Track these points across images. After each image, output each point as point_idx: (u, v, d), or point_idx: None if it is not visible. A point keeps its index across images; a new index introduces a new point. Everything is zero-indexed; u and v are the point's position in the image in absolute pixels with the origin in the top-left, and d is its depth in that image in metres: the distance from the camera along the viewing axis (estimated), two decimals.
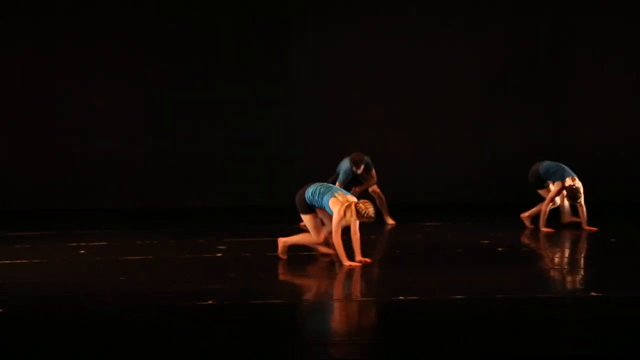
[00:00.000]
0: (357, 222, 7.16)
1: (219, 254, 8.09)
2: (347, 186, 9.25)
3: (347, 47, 12.07)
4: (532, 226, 9.30)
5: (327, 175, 9.70)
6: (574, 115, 12.16)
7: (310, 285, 7.01)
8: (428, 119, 12.12)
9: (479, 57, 12.07)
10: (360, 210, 7.10)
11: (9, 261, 7.78)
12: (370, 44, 12.06)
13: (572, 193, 9.05)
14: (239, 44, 12.14)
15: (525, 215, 9.42)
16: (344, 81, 12.08)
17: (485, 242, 8.61)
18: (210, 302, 6.01)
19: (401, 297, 6.15)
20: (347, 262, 7.21)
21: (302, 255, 7.83)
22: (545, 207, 9.23)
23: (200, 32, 12.09)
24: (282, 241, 7.63)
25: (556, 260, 8.08)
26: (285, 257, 7.65)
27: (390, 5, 12.15)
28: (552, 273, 7.40)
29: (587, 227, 9.24)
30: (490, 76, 12.09)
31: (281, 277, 7.24)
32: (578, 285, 6.87)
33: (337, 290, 6.83)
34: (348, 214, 7.11)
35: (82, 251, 8.36)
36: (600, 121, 12.09)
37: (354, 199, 7.28)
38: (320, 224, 7.55)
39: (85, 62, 11.93)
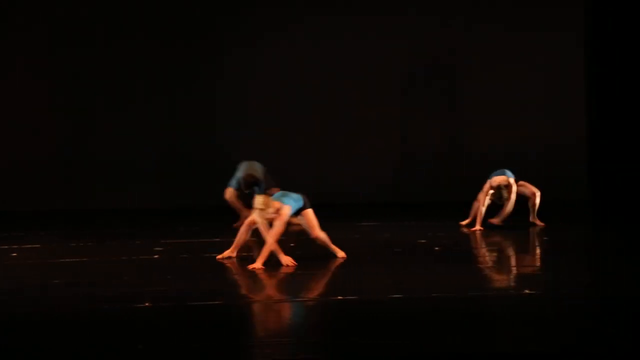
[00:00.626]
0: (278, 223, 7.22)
1: (156, 256, 8.01)
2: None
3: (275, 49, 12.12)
4: (542, 224, 9.55)
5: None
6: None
7: (254, 286, 6.97)
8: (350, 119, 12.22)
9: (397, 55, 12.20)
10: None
11: None
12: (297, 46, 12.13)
13: (496, 193, 9.36)
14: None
15: (494, 220, 9.50)
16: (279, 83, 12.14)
17: (423, 241, 8.70)
18: (147, 304, 5.94)
19: (340, 297, 6.18)
20: (284, 259, 7.28)
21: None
22: (479, 207, 9.40)
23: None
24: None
25: (488, 259, 8.18)
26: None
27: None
28: (485, 272, 7.49)
29: (494, 220, 9.45)
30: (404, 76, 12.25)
31: (222, 279, 7.18)
32: (512, 284, 6.98)
33: (278, 290, 6.81)
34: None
35: (14, 254, 8.17)
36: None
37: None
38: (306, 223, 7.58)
39: None
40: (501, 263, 8.07)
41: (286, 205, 7.34)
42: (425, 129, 12.32)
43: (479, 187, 9.52)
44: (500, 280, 7.08)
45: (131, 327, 5.40)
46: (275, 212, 7.27)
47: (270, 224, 7.35)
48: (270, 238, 7.28)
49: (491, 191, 9.40)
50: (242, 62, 12.15)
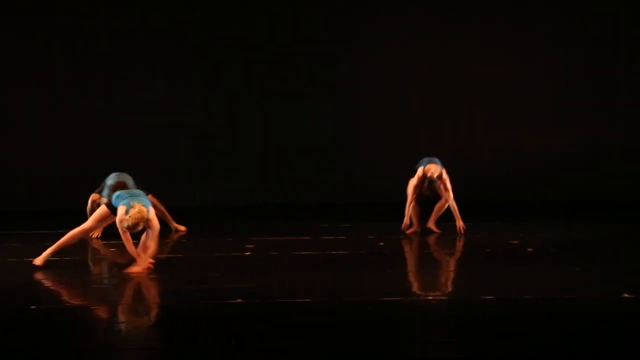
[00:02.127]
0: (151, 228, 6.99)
1: (247, 253, 8.10)
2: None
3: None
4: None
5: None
6: None
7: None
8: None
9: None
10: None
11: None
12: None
13: (427, 185, 8.65)
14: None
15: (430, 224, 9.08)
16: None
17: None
18: (238, 300, 6.01)
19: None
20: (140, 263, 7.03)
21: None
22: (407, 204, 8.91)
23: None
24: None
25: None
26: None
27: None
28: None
29: (430, 225, 8.97)
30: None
31: (310, 277, 7.21)
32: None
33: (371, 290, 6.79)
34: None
35: (112, 249, 8.41)
36: None
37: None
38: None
39: None
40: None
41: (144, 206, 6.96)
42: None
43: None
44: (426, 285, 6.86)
45: (224, 324, 5.47)
46: (146, 222, 6.93)
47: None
48: (154, 243, 7.05)
49: (423, 182, 8.56)
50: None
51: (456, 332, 5.35)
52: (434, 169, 8.71)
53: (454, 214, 8.87)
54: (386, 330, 5.29)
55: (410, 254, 8.41)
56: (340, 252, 8.04)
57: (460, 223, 8.87)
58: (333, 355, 4.78)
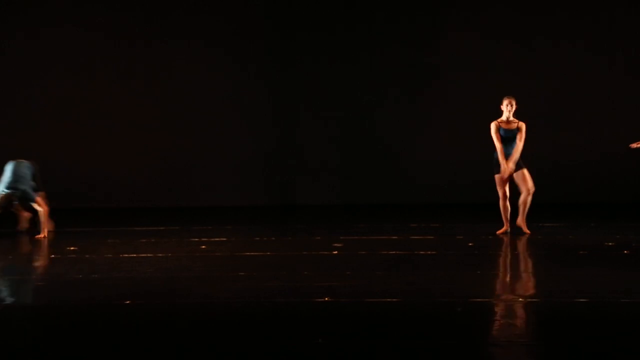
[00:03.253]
0: None
1: (335, 252, 8.12)
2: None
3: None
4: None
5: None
6: None
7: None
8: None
9: None
10: None
11: (134, 254, 8.06)
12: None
13: None
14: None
15: None
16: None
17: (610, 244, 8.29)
18: (326, 299, 6.03)
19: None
20: None
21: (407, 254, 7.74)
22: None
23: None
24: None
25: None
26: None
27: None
28: None
29: (519, 223, 8.95)
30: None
31: (397, 277, 7.18)
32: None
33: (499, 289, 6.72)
34: None
35: (203, 246, 8.57)
36: None
37: None
38: None
39: None
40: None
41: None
42: None
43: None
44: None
45: (311, 321, 5.50)
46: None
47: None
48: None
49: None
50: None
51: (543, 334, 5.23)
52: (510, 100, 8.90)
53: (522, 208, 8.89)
54: (473, 331, 5.22)
55: (498, 254, 8.28)
56: (429, 252, 7.98)
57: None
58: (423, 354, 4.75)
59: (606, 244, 8.32)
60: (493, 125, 8.92)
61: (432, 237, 8.93)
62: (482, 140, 11.71)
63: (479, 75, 12.15)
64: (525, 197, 8.92)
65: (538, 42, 12.17)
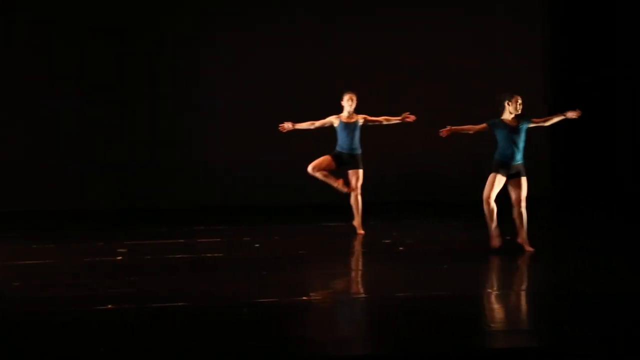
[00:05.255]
0: None
1: (119, 257, 7.91)
2: None
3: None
4: None
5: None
6: None
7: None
8: None
9: None
10: None
11: None
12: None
13: None
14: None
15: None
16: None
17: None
18: (109, 306, 5.85)
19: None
20: None
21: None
22: None
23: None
24: None
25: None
26: None
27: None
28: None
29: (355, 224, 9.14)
30: None
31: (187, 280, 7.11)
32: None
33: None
34: None
35: None
36: None
37: None
38: None
39: None
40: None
41: None
42: None
43: None
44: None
45: (92, 330, 5.32)
46: None
47: None
48: None
49: None
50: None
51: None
52: None
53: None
54: (259, 332, 5.28)
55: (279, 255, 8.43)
56: (216, 255, 7.97)
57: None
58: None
59: (384, 241, 8.69)
60: (333, 119, 9.01)
61: (218, 239, 8.93)
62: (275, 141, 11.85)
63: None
64: (355, 198, 9.10)
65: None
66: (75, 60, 11.85)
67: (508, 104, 7.89)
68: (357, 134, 9.05)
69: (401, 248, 8.25)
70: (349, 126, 9.02)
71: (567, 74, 12.42)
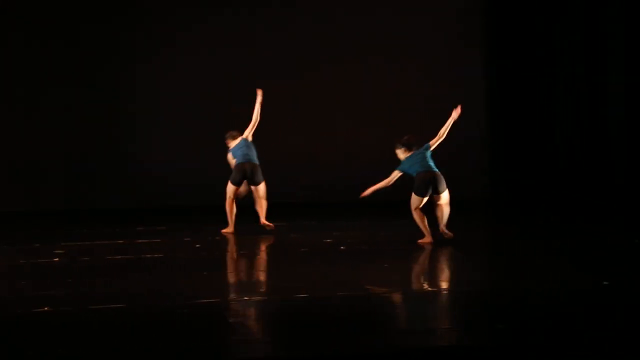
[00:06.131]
0: None
1: (55, 259, 7.78)
2: None
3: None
4: None
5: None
6: None
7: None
8: None
9: None
10: None
11: None
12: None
13: None
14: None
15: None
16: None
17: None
18: (46, 308, 5.76)
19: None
20: None
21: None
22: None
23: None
24: None
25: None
26: None
27: None
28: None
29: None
30: None
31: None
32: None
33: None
34: None
35: None
36: None
37: None
38: None
39: None
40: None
41: None
42: None
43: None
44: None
45: (28, 333, 5.22)
46: None
47: None
48: None
49: None
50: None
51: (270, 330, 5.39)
52: None
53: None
54: (201, 332, 5.26)
55: (224, 255, 8.40)
56: (156, 255, 7.91)
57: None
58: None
59: (325, 241, 8.72)
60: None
61: (159, 240, 8.85)
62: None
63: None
64: (260, 202, 9.15)
65: None
66: (6, 59, 11.66)
67: (398, 151, 8.31)
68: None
69: (342, 247, 8.30)
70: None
71: (506, 77, 12.62)
